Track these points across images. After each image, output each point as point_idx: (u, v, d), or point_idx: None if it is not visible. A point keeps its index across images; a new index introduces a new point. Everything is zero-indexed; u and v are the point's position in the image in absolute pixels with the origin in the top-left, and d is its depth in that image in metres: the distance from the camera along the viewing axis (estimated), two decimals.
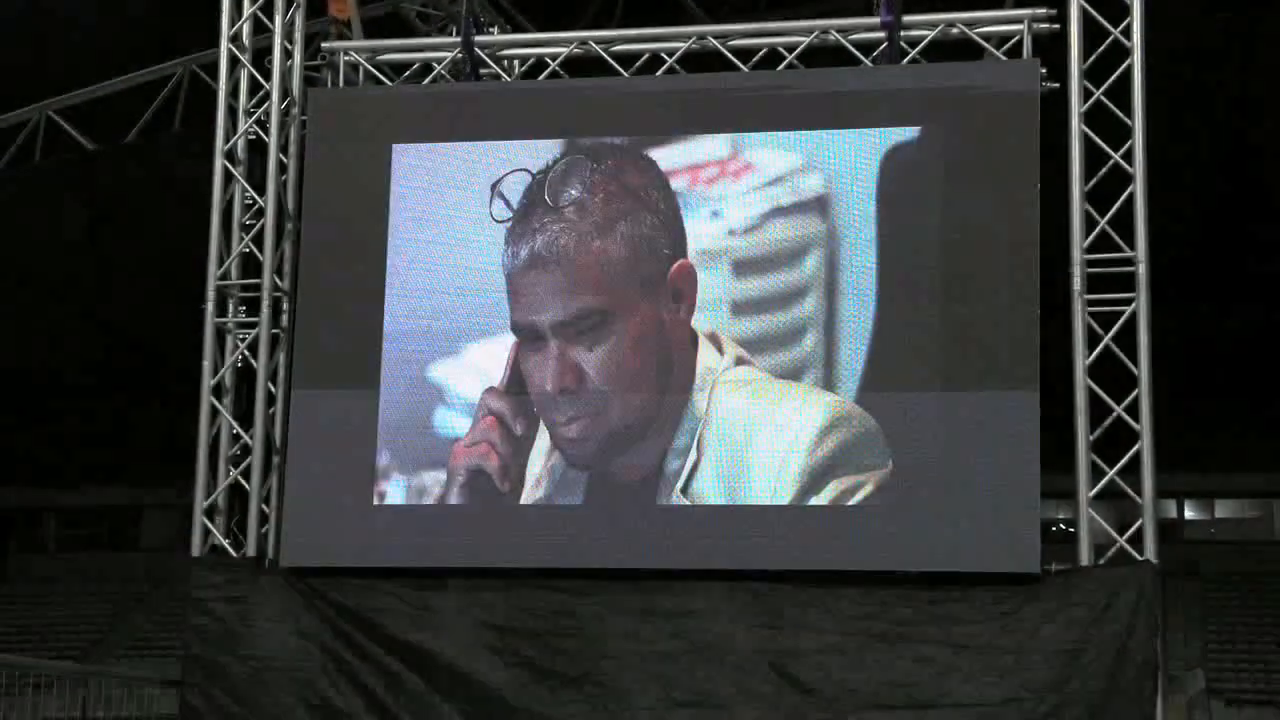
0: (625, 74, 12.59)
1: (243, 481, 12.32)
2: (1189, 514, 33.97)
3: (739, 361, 11.69)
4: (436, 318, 12.10)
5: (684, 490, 11.56)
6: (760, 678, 11.27)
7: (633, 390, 11.71)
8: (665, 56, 12.62)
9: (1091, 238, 11.50)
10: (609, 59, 12.68)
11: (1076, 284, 11.45)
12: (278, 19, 12.75)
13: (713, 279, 11.79)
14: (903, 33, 12.12)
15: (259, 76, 12.78)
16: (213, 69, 13.54)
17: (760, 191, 11.86)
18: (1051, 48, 11.84)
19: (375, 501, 11.99)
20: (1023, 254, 11.32)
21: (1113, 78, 11.65)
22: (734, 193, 11.87)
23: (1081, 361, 11.39)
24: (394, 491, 12.01)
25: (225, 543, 12.30)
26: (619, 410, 11.72)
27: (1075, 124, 11.59)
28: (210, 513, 12.36)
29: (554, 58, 12.87)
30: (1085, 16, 11.73)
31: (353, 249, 12.27)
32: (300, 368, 12.25)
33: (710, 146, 11.96)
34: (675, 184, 11.96)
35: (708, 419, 11.59)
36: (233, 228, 12.64)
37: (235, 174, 12.68)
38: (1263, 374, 29.10)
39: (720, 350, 11.70)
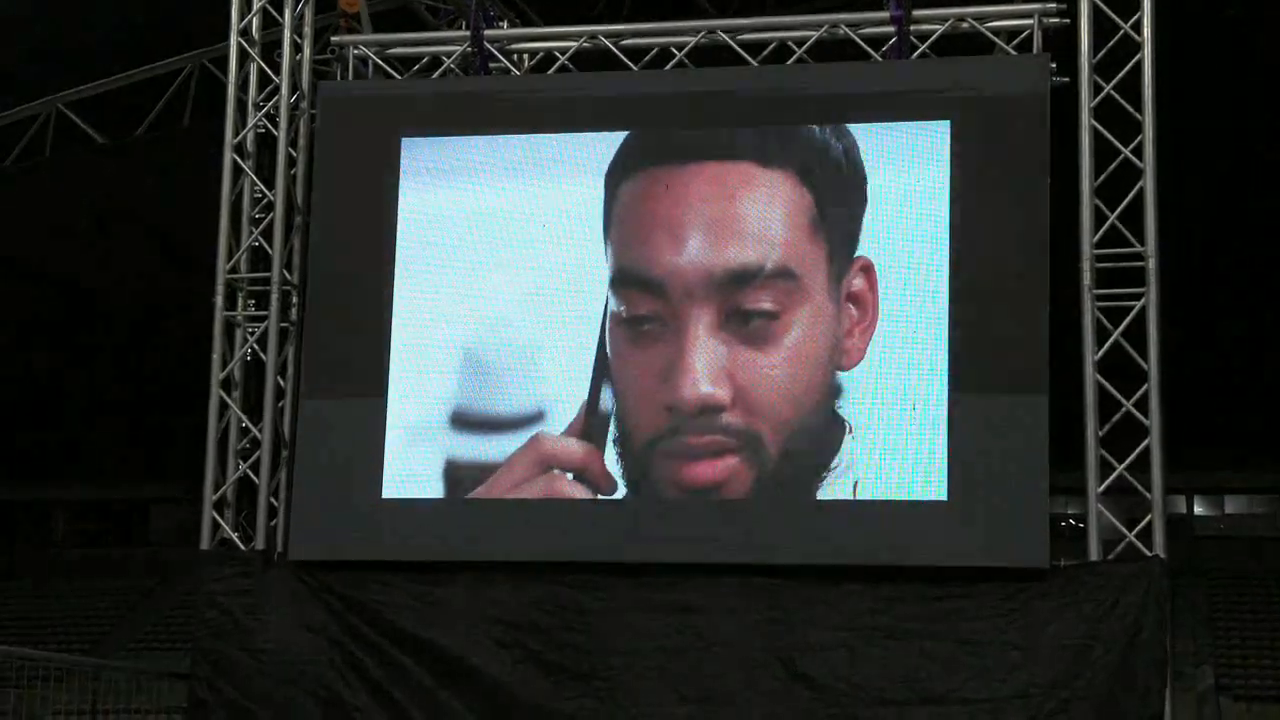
0: (634, 68, 12.58)
1: (251, 475, 12.32)
2: (1198, 510, 33.96)
3: None
4: (445, 311, 12.09)
5: None
6: (768, 673, 11.25)
7: None
8: (674, 51, 12.60)
9: (1101, 232, 11.48)
10: (618, 53, 12.68)
11: (1086, 279, 11.43)
12: (287, 13, 12.76)
13: None
14: (912, 27, 12.09)
15: (269, 70, 12.79)
16: (223, 63, 13.53)
17: None
18: (1061, 42, 11.82)
19: (384, 495, 11.97)
20: (1032, 249, 11.30)
21: (1123, 72, 11.62)
22: None
23: (1091, 356, 11.37)
24: (401, 486, 11.99)
25: (234, 536, 12.31)
26: None
27: (1085, 118, 11.56)
28: (219, 506, 12.36)
29: (563, 51, 12.87)
30: (1095, 11, 11.71)
31: (362, 242, 12.25)
32: (308, 361, 12.23)
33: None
34: None
35: None
36: (242, 221, 12.64)
37: (245, 168, 12.69)
38: (1272, 370, 29.08)
39: None
